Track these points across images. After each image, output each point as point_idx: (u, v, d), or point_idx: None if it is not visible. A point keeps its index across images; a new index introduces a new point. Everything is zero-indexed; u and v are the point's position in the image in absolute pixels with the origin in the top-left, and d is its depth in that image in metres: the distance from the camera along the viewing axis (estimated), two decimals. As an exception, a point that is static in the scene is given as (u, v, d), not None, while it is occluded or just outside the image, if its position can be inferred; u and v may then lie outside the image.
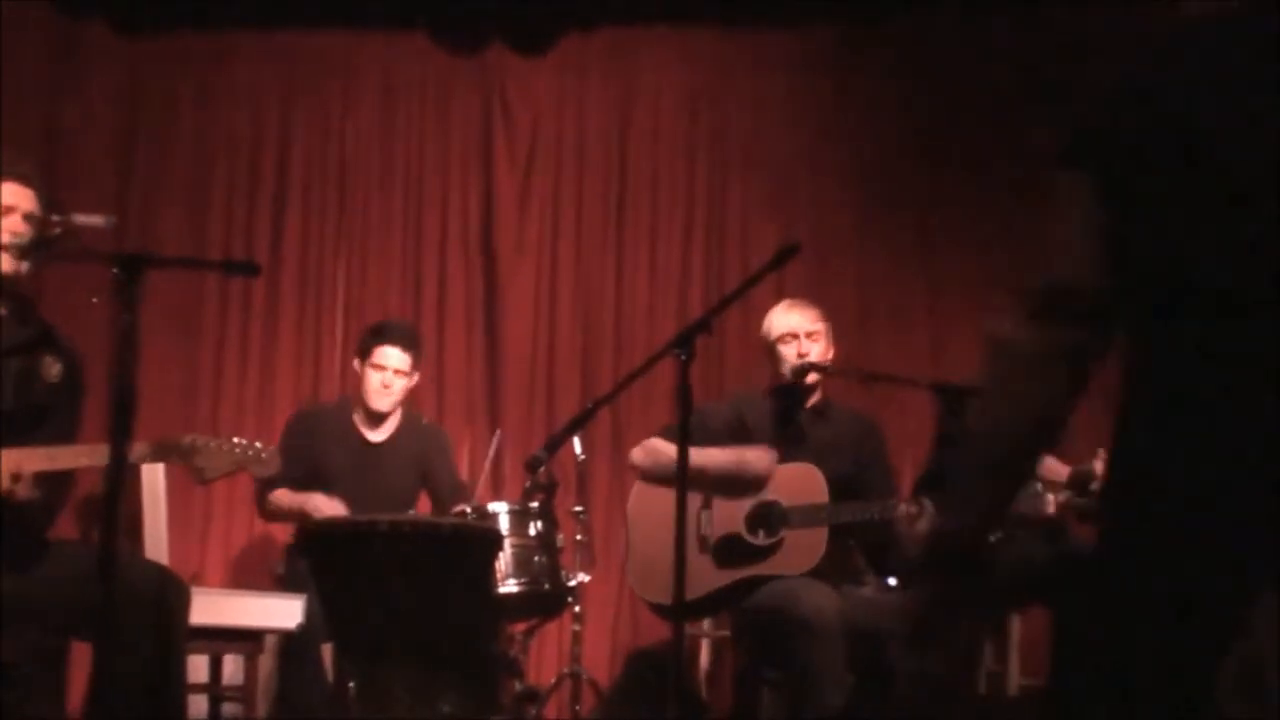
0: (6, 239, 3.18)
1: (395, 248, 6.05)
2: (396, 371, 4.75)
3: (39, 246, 3.03)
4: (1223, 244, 1.55)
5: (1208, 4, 1.66)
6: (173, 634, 3.17)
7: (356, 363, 4.84)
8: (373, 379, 4.74)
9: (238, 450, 3.24)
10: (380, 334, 4.80)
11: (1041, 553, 4.31)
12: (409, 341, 4.82)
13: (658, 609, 4.15)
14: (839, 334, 4.40)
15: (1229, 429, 1.53)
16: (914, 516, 3.98)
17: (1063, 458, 4.52)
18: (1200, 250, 1.56)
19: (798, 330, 4.22)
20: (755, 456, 4.09)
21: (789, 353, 4.22)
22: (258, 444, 3.30)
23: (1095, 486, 4.27)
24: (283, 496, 4.67)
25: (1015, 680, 4.62)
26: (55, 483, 3.21)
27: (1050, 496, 4.29)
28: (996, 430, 1.71)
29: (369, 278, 6.04)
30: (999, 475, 1.72)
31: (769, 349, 4.29)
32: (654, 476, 4.18)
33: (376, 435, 4.83)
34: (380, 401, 4.75)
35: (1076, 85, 1.72)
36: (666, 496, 4.07)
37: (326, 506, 4.50)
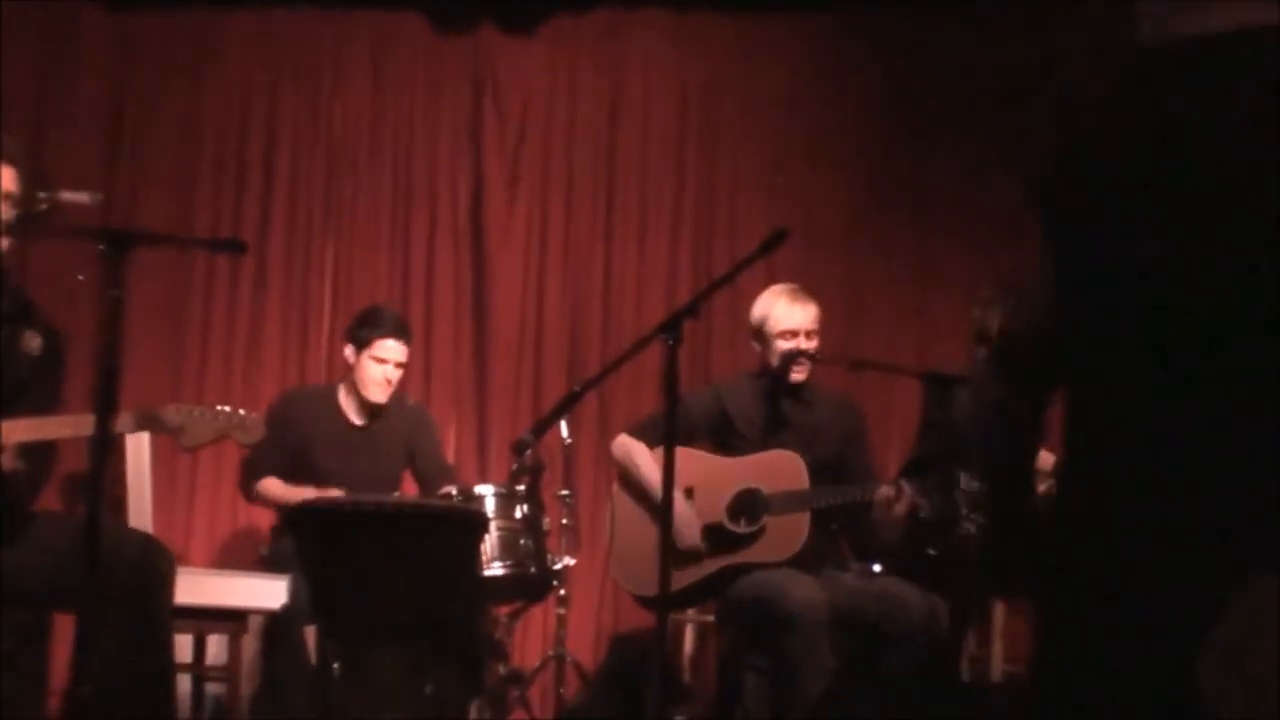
0: None
1: (384, 229, 6.03)
2: (397, 364, 4.73)
3: (24, 222, 3.02)
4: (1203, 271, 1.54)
5: (1169, 28, 1.62)
6: (159, 600, 3.17)
7: (350, 351, 4.78)
8: (374, 371, 4.71)
9: (221, 417, 3.24)
10: (379, 325, 4.75)
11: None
12: (406, 333, 4.80)
13: (641, 600, 4.16)
14: (827, 321, 4.40)
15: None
16: (892, 500, 3.99)
17: (1049, 447, 4.54)
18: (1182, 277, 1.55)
19: (799, 329, 4.22)
20: (682, 523, 4.07)
21: (785, 347, 4.22)
22: (241, 411, 3.30)
23: None
24: (273, 487, 4.66)
25: (999, 666, 4.63)
26: (38, 454, 3.20)
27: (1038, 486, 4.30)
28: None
29: (356, 259, 6.01)
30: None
31: (761, 337, 4.28)
32: (625, 481, 4.21)
33: (362, 418, 4.81)
34: (379, 394, 4.73)
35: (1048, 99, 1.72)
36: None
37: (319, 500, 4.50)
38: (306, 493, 4.53)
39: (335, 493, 4.52)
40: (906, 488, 4.00)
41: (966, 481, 4.01)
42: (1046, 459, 4.41)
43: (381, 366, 4.71)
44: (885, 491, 4.00)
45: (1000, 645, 4.66)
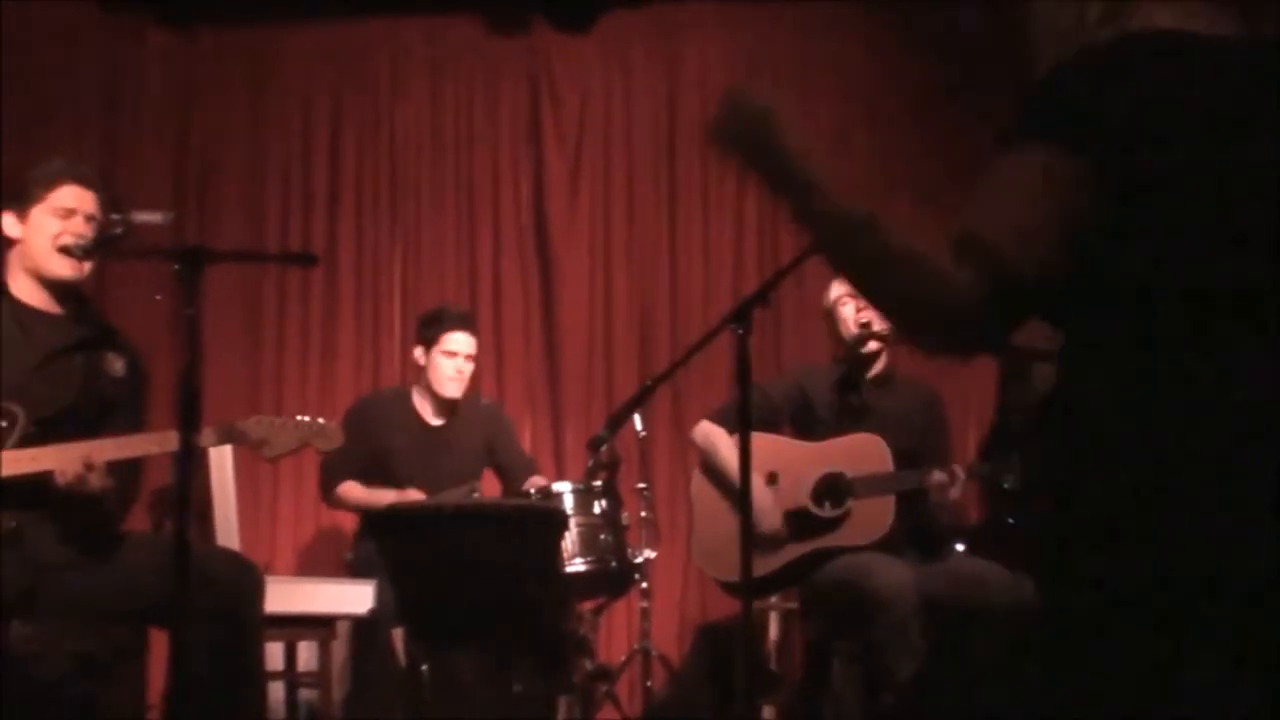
0: (69, 241, 3.22)
1: (449, 233, 6.08)
2: (467, 357, 4.78)
3: (101, 246, 3.07)
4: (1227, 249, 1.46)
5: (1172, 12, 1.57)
6: (249, 619, 3.20)
7: (419, 351, 4.84)
8: (445, 366, 4.76)
9: (301, 427, 3.28)
10: (445, 320, 4.81)
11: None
12: (473, 325, 4.86)
13: (726, 586, 4.15)
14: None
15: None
16: (946, 485, 3.96)
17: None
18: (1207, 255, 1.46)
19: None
20: (763, 509, 4.05)
21: (847, 314, 4.17)
22: (320, 419, 3.34)
23: None
24: (353, 491, 4.72)
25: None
26: (127, 473, 3.25)
27: None
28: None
29: (424, 263, 6.07)
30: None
31: (828, 316, 4.26)
32: (706, 467, 4.20)
33: (438, 420, 4.85)
34: (453, 388, 4.78)
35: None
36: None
37: (400, 502, 4.55)
38: (387, 495, 4.59)
39: (414, 494, 4.57)
40: (960, 473, 3.97)
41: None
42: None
43: (452, 360, 4.75)
44: (939, 477, 3.97)
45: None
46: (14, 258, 3.31)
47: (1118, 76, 1.50)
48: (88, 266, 3.29)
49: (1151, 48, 1.52)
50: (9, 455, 3.06)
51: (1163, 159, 1.47)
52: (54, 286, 3.30)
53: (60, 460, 3.05)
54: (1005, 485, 4.07)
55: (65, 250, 3.20)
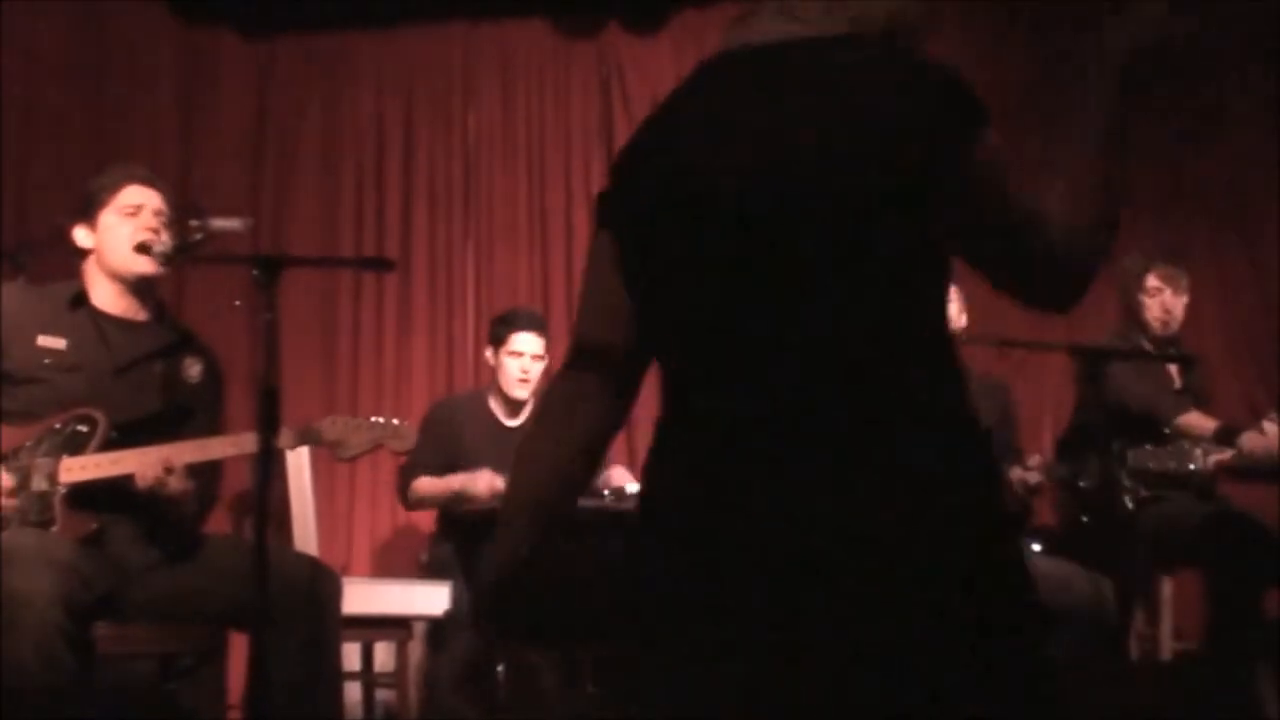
0: (144, 237, 3.26)
1: (522, 235, 6.10)
2: (534, 357, 4.80)
3: (181, 253, 3.11)
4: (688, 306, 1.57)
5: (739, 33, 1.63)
6: (327, 624, 3.23)
7: (490, 352, 4.89)
8: (511, 367, 4.79)
9: (376, 428, 3.31)
10: (512, 321, 4.86)
11: (1192, 512, 4.21)
12: (539, 325, 4.88)
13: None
14: (970, 300, 4.32)
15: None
16: (1026, 481, 3.94)
17: (1208, 412, 4.41)
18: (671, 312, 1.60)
19: None
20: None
21: None
22: (395, 420, 3.37)
23: (1243, 441, 4.17)
24: (425, 484, 4.76)
25: (1167, 644, 4.51)
26: (207, 476, 3.30)
27: (1199, 453, 4.20)
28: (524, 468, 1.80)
29: (497, 266, 6.09)
30: (534, 510, 1.81)
31: None
32: None
33: (514, 421, 4.88)
34: (520, 390, 4.80)
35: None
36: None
37: (474, 483, 4.56)
38: (456, 479, 4.61)
39: (484, 474, 4.56)
40: (1039, 461, 3.96)
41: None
42: (1205, 424, 4.31)
43: (517, 360, 4.78)
44: (1023, 472, 3.95)
45: (1169, 622, 4.53)
46: (90, 268, 3.36)
47: (631, 144, 1.73)
48: (165, 269, 3.33)
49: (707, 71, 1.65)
50: (91, 459, 3.12)
51: (635, 200, 1.63)
52: (133, 286, 3.35)
53: (140, 463, 3.11)
54: (1081, 484, 4.03)
55: (142, 248, 3.24)
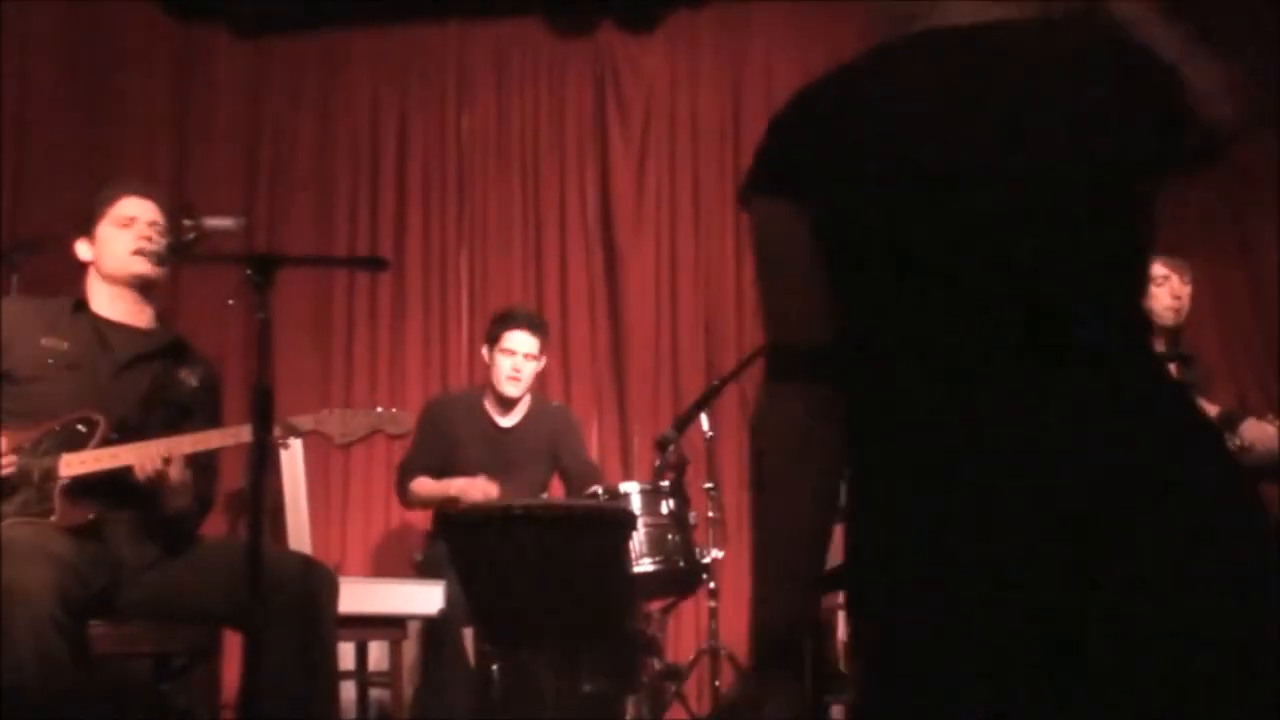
0: (140, 245, 3.35)
1: (516, 234, 6.11)
2: (526, 356, 4.80)
3: (175, 252, 3.15)
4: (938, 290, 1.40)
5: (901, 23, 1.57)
6: (321, 623, 3.25)
7: (485, 350, 4.90)
8: (503, 365, 4.80)
9: (372, 415, 3.36)
10: (506, 320, 4.87)
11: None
12: (535, 325, 4.87)
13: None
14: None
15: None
16: None
17: (1210, 399, 4.42)
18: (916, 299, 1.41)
19: None
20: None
21: None
22: (393, 410, 3.41)
23: (1244, 429, 4.19)
24: (423, 485, 4.76)
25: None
26: (204, 478, 3.34)
27: None
28: (770, 525, 1.58)
29: (491, 266, 6.10)
30: (792, 573, 1.61)
31: None
32: None
33: (508, 420, 4.88)
34: (511, 387, 4.81)
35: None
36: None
37: (470, 490, 4.57)
38: (455, 483, 4.63)
39: (481, 479, 4.59)
40: None
41: None
42: (1207, 409, 4.32)
43: (510, 358, 4.78)
44: None
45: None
46: (91, 278, 3.44)
47: (812, 114, 1.50)
48: (162, 271, 3.42)
49: (913, 53, 1.52)
50: (91, 454, 3.16)
51: (854, 193, 1.43)
52: (131, 290, 3.41)
53: (140, 456, 3.16)
54: None
55: (140, 253, 3.35)
